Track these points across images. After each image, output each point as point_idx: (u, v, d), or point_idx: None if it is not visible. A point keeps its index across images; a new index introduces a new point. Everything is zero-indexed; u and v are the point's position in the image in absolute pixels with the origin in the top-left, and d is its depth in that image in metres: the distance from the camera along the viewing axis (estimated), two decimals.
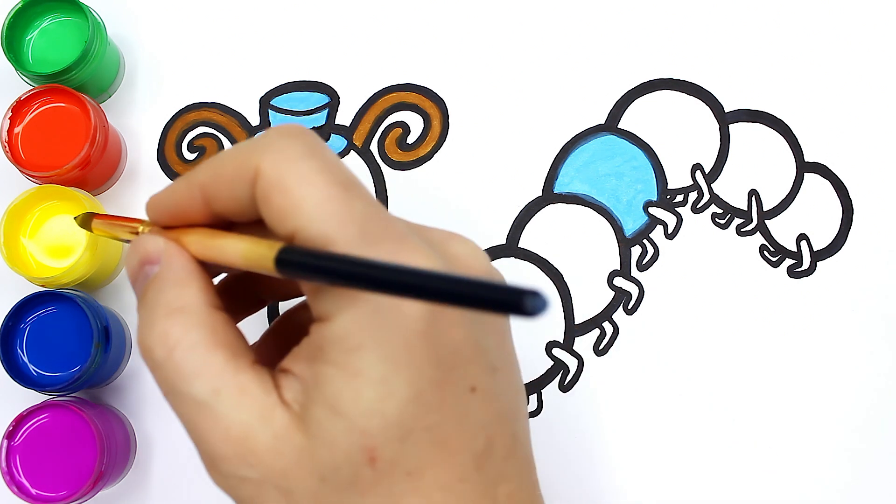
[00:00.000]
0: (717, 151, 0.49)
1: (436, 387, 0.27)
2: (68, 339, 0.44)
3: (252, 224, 0.29)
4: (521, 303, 0.20)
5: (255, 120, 0.50)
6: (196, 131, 0.49)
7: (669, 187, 0.49)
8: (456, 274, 0.22)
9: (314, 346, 0.27)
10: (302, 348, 0.28)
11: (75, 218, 0.39)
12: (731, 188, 0.49)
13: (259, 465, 0.27)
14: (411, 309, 0.26)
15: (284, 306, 0.45)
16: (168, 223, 0.31)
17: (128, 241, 0.34)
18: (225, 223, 0.30)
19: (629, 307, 0.47)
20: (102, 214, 0.37)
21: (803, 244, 0.48)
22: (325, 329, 0.27)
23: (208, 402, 0.27)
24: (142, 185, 0.49)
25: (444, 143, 0.49)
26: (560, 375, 0.47)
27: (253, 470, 0.27)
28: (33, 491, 0.42)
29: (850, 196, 0.48)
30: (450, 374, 0.27)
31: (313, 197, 0.26)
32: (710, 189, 0.48)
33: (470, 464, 0.27)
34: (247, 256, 0.27)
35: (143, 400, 0.47)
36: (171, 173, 0.49)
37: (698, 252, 0.48)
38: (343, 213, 0.26)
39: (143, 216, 0.47)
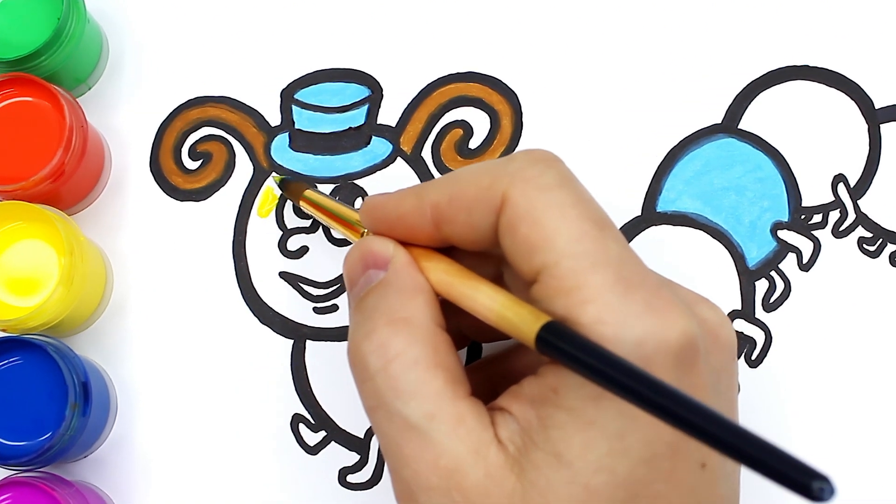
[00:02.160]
0: (865, 159, 0.46)
1: (670, 453, 0.28)
2: (37, 399, 0.42)
3: (475, 253, 0.32)
4: (808, 485, 0.21)
5: (274, 118, 0.47)
6: (200, 133, 0.47)
7: (804, 205, 0.46)
8: (742, 428, 0.23)
9: (546, 387, 0.28)
10: (524, 388, 0.29)
11: (275, 178, 0.43)
12: (883, 206, 0.45)
13: (464, 502, 0.28)
14: (663, 369, 0.27)
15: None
16: (382, 231, 0.33)
17: (340, 234, 0.37)
18: (443, 246, 0.32)
19: (752, 358, 0.43)
20: (318, 193, 0.40)
21: None
22: (565, 372, 0.28)
23: (421, 427, 0.29)
24: (130, 202, 0.47)
25: (517, 149, 0.46)
26: None
27: None
28: None
29: None
30: (685, 443, 0.28)
31: (567, 232, 0.28)
32: (857, 207, 0.45)
33: None
34: (502, 315, 0.29)
35: (129, 476, 0.45)
36: (167, 186, 0.47)
37: (840, 287, 0.44)
38: (598, 253, 0.28)
39: (151, 238, 0.47)
